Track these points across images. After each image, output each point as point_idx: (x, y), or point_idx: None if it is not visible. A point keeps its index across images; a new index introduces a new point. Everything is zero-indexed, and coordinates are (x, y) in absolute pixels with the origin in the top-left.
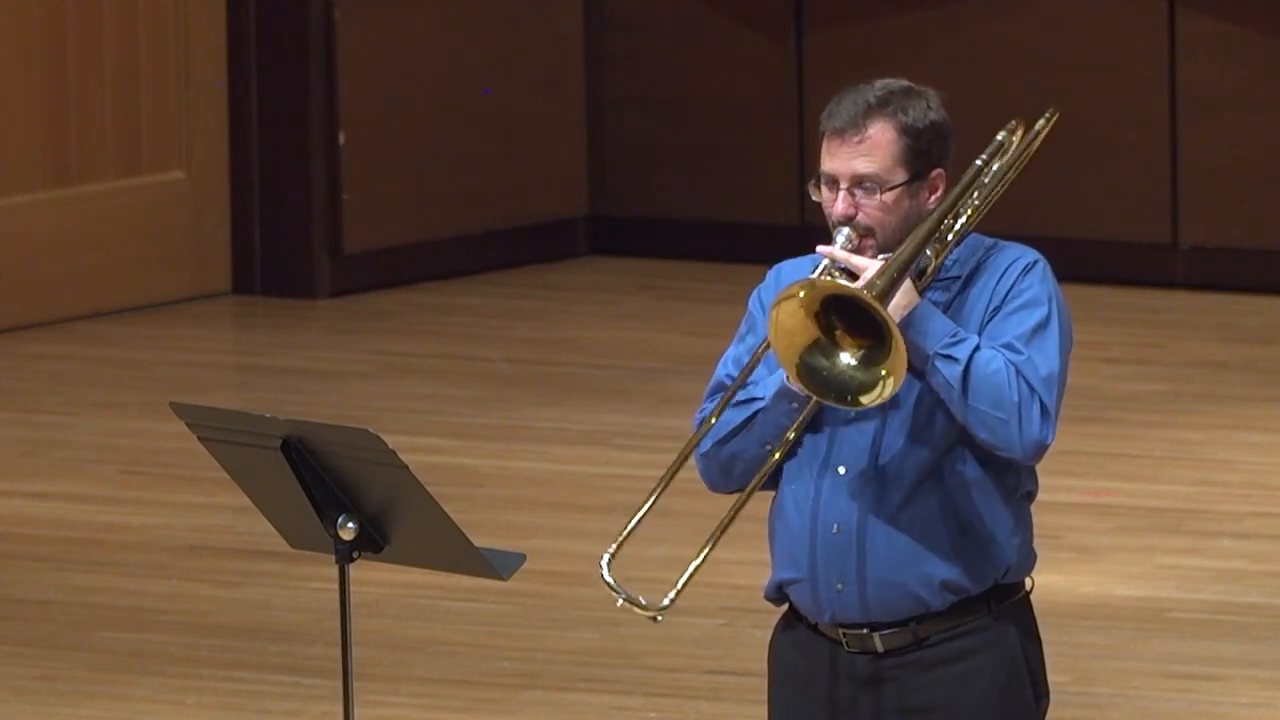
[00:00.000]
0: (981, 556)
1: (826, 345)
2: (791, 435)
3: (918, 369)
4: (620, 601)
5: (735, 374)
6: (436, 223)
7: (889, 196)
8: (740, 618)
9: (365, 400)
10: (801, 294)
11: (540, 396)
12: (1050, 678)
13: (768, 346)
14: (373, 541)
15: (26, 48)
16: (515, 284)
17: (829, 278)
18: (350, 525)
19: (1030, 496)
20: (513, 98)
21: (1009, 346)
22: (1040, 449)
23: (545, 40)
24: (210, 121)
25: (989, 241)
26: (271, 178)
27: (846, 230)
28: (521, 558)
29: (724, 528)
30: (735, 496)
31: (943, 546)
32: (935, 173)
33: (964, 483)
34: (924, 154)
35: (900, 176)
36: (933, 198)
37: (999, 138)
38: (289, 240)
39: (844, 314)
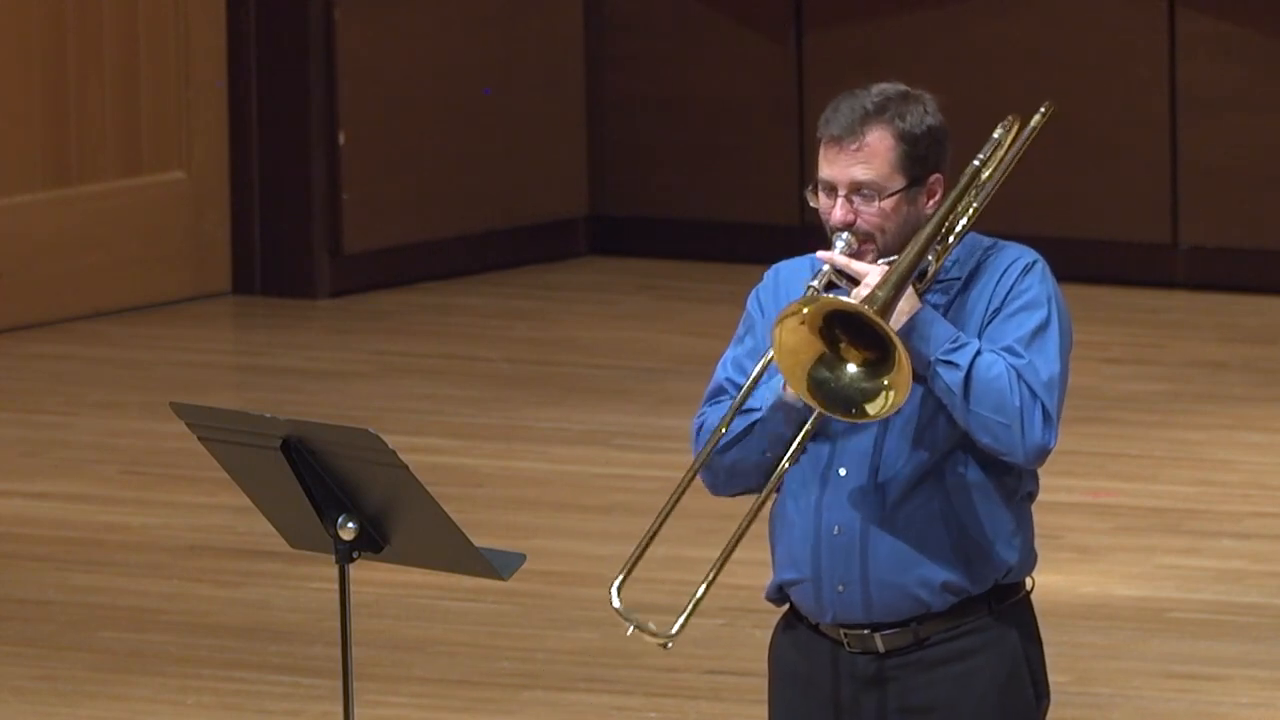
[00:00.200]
0: (982, 558)
1: (831, 358)
2: (795, 444)
3: (920, 374)
4: (631, 630)
5: (734, 376)
6: (436, 223)
7: (887, 203)
8: (740, 618)
9: (365, 400)
10: (804, 311)
11: (540, 396)
12: (1050, 678)
13: (770, 359)
14: (373, 541)
15: (26, 48)
16: (515, 284)
17: (829, 295)
18: (350, 525)
19: (1031, 497)
20: (513, 98)
21: (1010, 350)
22: (1043, 453)
23: (545, 40)
24: (210, 121)
25: (988, 241)
26: (271, 178)
27: (846, 235)
28: (521, 558)
29: (731, 549)
30: (733, 498)
31: (943, 548)
32: (933, 178)
33: (965, 485)
34: (922, 160)
35: (898, 183)
36: (931, 202)
37: (995, 134)
38: (289, 240)
39: (848, 326)
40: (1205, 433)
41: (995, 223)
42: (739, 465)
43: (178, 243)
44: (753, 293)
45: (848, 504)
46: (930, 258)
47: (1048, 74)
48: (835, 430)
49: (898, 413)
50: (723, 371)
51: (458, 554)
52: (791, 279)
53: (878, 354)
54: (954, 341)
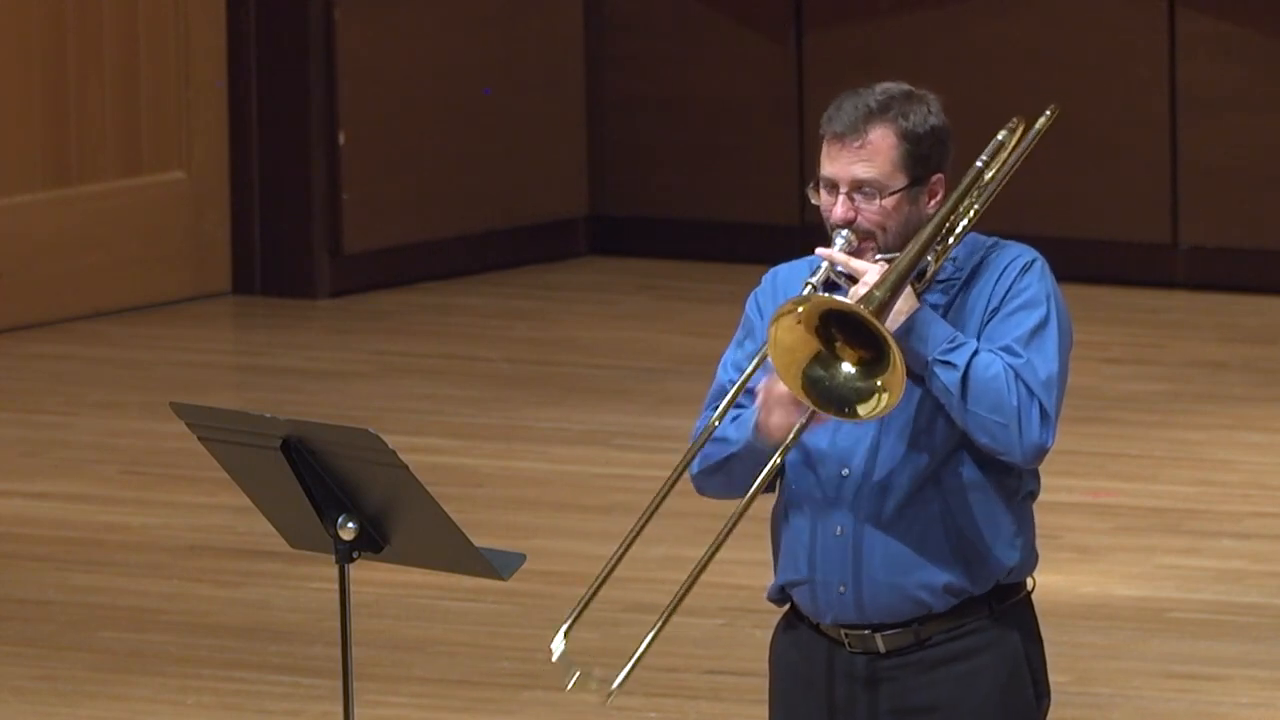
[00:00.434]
0: (982, 559)
1: (827, 357)
2: (763, 474)
3: (918, 375)
4: (571, 683)
5: (735, 379)
6: (436, 223)
7: (889, 202)
8: (740, 618)
9: (365, 400)
10: (799, 310)
11: (540, 396)
12: (1050, 678)
13: (765, 355)
14: (373, 541)
15: (26, 48)
16: (515, 284)
17: (826, 291)
18: (350, 525)
19: (1032, 496)
20: (513, 98)
21: (1008, 349)
22: (1040, 453)
23: (545, 40)
24: (210, 121)
25: (989, 241)
26: (271, 178)
27: (846, 232)
28: (521, 558)
29: (683, 593)
30: (729, 503)
31: (943, 550)
32: (935, 178)
33: (964, 486)
34: (924, 159)
35: (900, 182)
36: (932, 202)
37: (1000, 137)
38: (289, 240)
39: (844, 325)
40: (1205, 433)
41: (996, 222)
42: (721, 488)
43: (178, 243)
44: (751, 296)
45: (849, 505)
46: (930, 258)
47: (1048, 74)
48: (837, 431)
49: (898, 415)
50: (723, 374)
51: (458, 554)
52: (790, 281)
53: (873, 354)
54: (951, 341)
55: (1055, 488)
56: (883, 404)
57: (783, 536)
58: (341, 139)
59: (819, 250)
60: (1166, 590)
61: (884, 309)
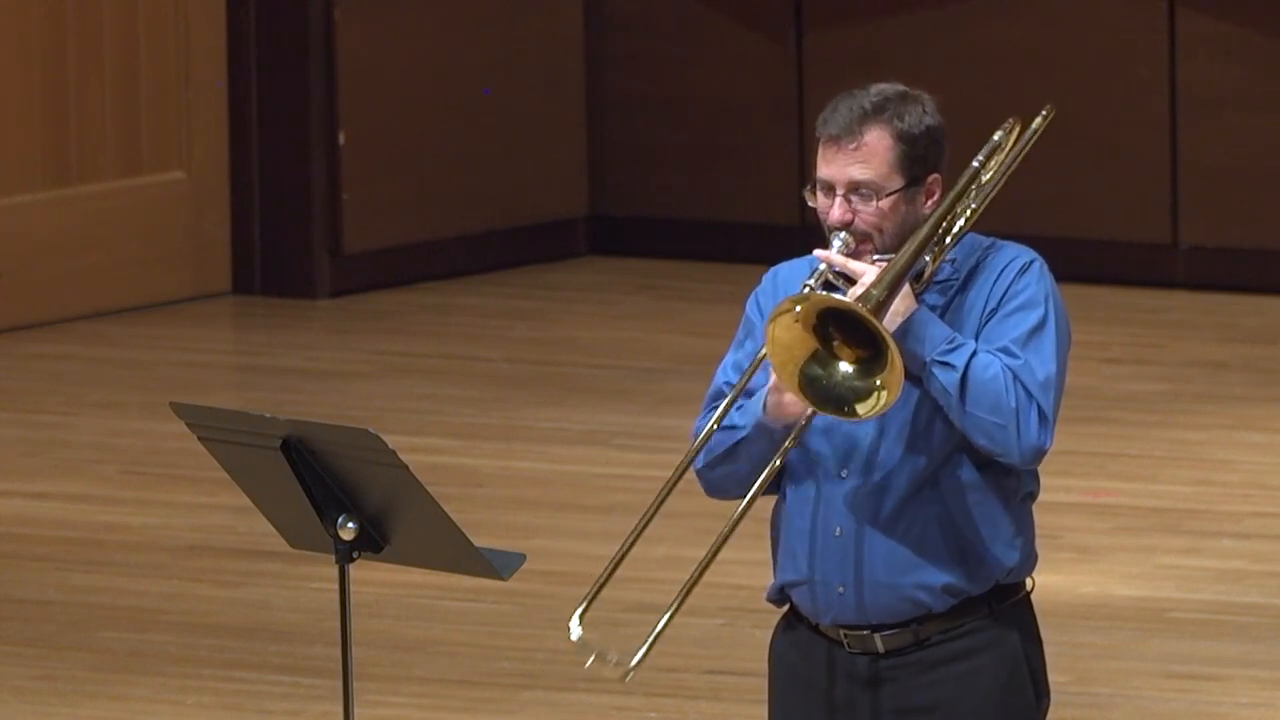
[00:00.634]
0: (981, 560)
1: (824, 356)
2: (771, 464)
3: (916, 376)
4: (590, 661)
5: (733, 380)
6: (436, 223)
7: (885, 203)
8: (740, 618)
9: (365, 400)
10: (797, 308)
11: (540, 396)
12: (1050, 678)
13: (765, 355)
14: (373, 541)
15: (26, 48)
16: (515, 284)
17: (824, 291)
18: (350, 525)
19: (1032, 497)
20: (513, 98)
21: (1006, 350)
22: (1038, 454)
23: (545, 40)
24: (210, 121)
25: (986, 241)
26: (271, 178)
27: (844, 234)
28: (521, 558)
29: (698, 577)
30: (727, 503)
31: (942, 551)
32: (931, 178)
33: (963, 487)
34: (920, 160)
35: (896, 183)
36: (929, 202)
37: (995, 137)
38: (289, 240)
39: (842, 324)
40: (1205, 433)
41: (996, 223)
42: (730, 477)
43: (178, 243)
44: (751, 296)
45: (848, 506)
46: (927, 258)
47: (1048, 74)
48: (836, 432)
49: (896, 416)
50: (722, 375)
51: (458, 554)
52: (790, 281)
53: (871, 353)
54: (950, 342)
55: (1055, 488)
56: (881, 403)
57: (782, 537)
58: (341, 139)
59: (816, 252)
60: (1166, 590)
61: (881, 308)
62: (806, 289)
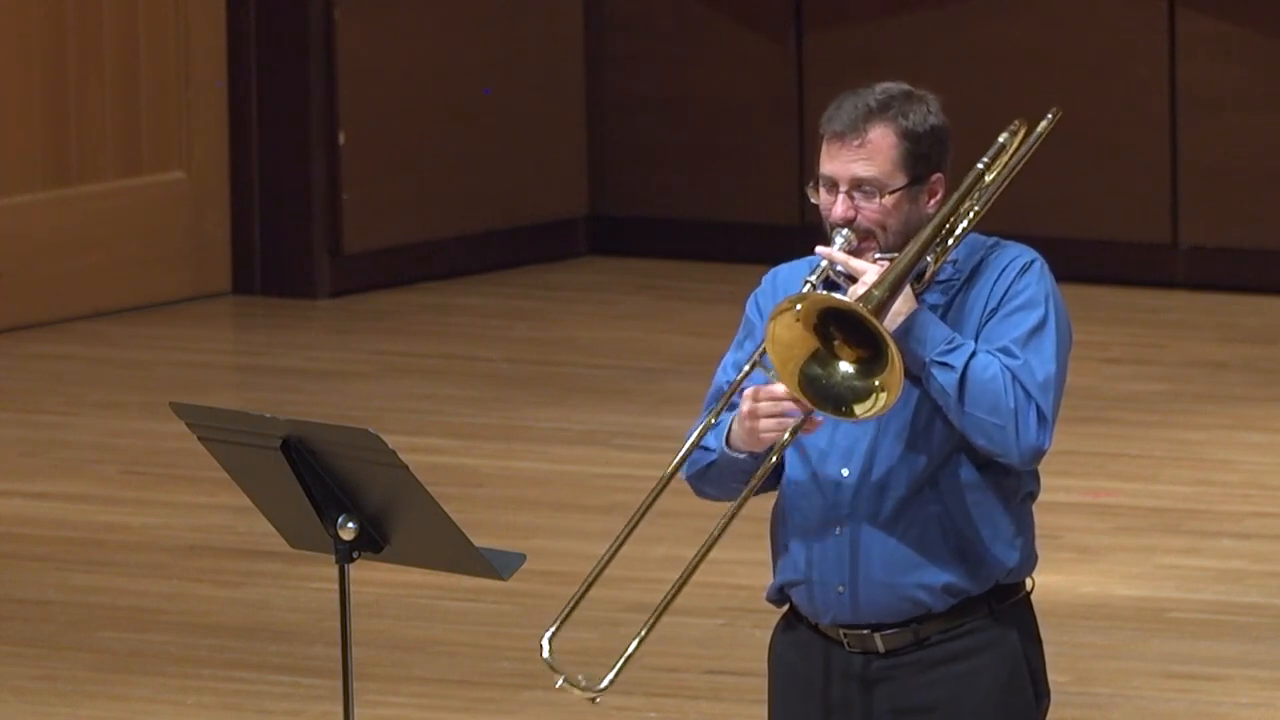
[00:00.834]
0: (981, 560)
1: (825, 355)
2: (753, 481)
3: (915, 376)
4: (559, 683)
5: (734, 379)
6: (436, 223)
7: (888, 200)
8: (740, 618)
9: (365, 400)
10: (798, 307)
11: (540, 396)
12: (1050, 678)
13: (763, 353)
14: (373, 541)
15: (26, 48)
16: (515, 284)
17: (825, 290)
18: (350, 525)
19: (1032, 497)
20: (513, 98)
21: (1005, 351)
22: (1037, 455)
23: (545, 40)
24: (210, 121)
25: (988, 241)
26: (271, 178)
27: (846, 232)
28: (521, 558)
29: (678, 587)
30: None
31: (942, 551)
32: (935, 177)
33: (963, 487)
34: (924, 158)
35: (900, 181)
36: (932, 202)
37: (1001, 139)
38: (289, 240)
39: (842, 324)
40: (1205, 433)
41: (996, 223)
42: (715, 489)
43: (178, 243)
44: (751, 297)
45: (848, 506)
46: (929, 258)
47: (1048, 74)
48: (836, 432)
49: (895, 416)
50: (723, 375)
51: (458, 554)
52: (790, 282)
53: (871, 353)
54: (949, 343)
55: (1055, 488)
56: (880, 403)
57: (781, 536)
58: (341, 139)
59: (819, 249)
60: (1166, 590)
61: (882, 308)
62: (808, 286)
